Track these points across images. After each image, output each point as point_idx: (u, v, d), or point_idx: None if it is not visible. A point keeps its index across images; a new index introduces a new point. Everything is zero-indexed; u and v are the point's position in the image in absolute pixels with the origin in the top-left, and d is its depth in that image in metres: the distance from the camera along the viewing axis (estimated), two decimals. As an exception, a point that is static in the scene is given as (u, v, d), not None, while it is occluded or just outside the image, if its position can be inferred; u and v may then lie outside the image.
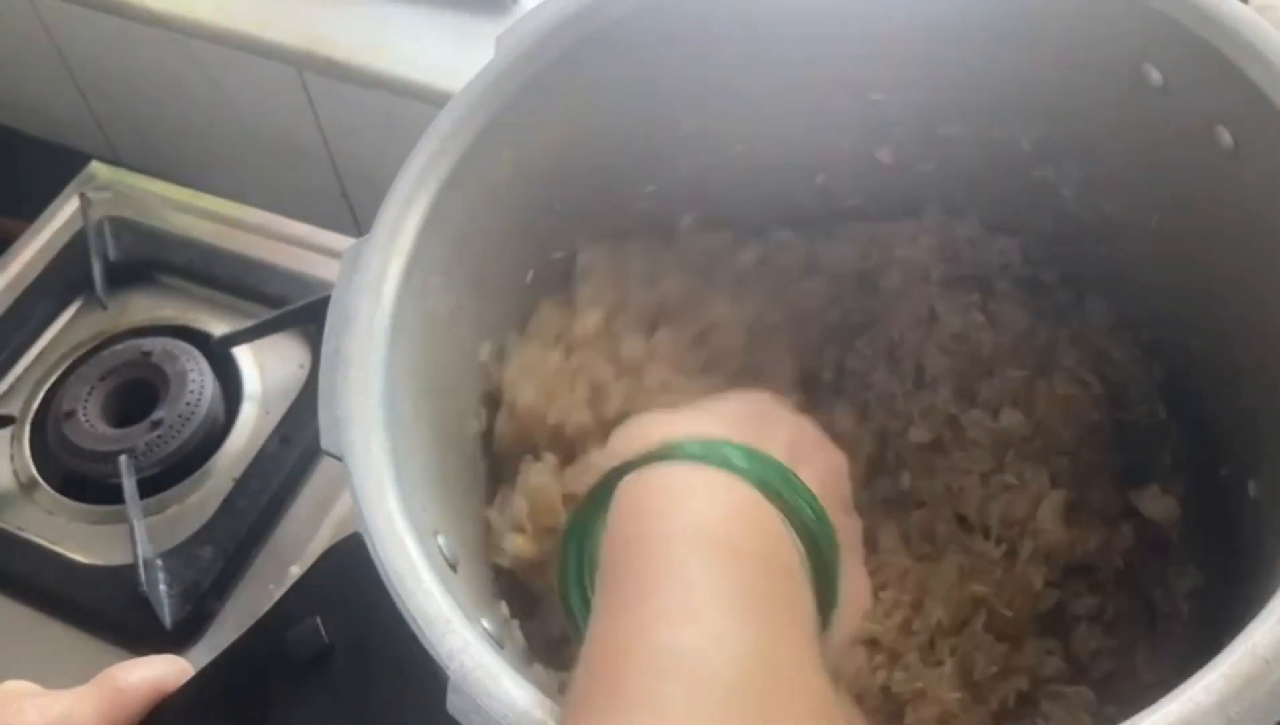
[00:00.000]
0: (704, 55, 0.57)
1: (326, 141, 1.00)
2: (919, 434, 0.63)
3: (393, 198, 0.51)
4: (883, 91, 0.55)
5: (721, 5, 0.56)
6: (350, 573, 0.44)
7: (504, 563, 0.55)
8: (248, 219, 0.93)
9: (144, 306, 0.90)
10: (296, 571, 0.74)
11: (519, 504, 0.55)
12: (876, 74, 0.58)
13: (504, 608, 0.52)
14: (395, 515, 0.43)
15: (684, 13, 0.55)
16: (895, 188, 0.63)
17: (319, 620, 0.44)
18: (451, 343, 0.54)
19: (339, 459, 0.45)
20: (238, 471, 0.80)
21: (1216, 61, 0.48)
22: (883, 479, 0.62)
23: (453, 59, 0.90)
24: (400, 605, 0.41)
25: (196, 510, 0.79)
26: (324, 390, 0.46)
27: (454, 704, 0.39)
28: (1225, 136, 0.50)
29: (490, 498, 0.57)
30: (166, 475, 0.80)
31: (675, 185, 0.63)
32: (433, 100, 0.89)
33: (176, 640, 0.72)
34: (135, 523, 0.75)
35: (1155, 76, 0.52)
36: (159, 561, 0.75)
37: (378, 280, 0.48)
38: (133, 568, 0.73)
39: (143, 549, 0.74)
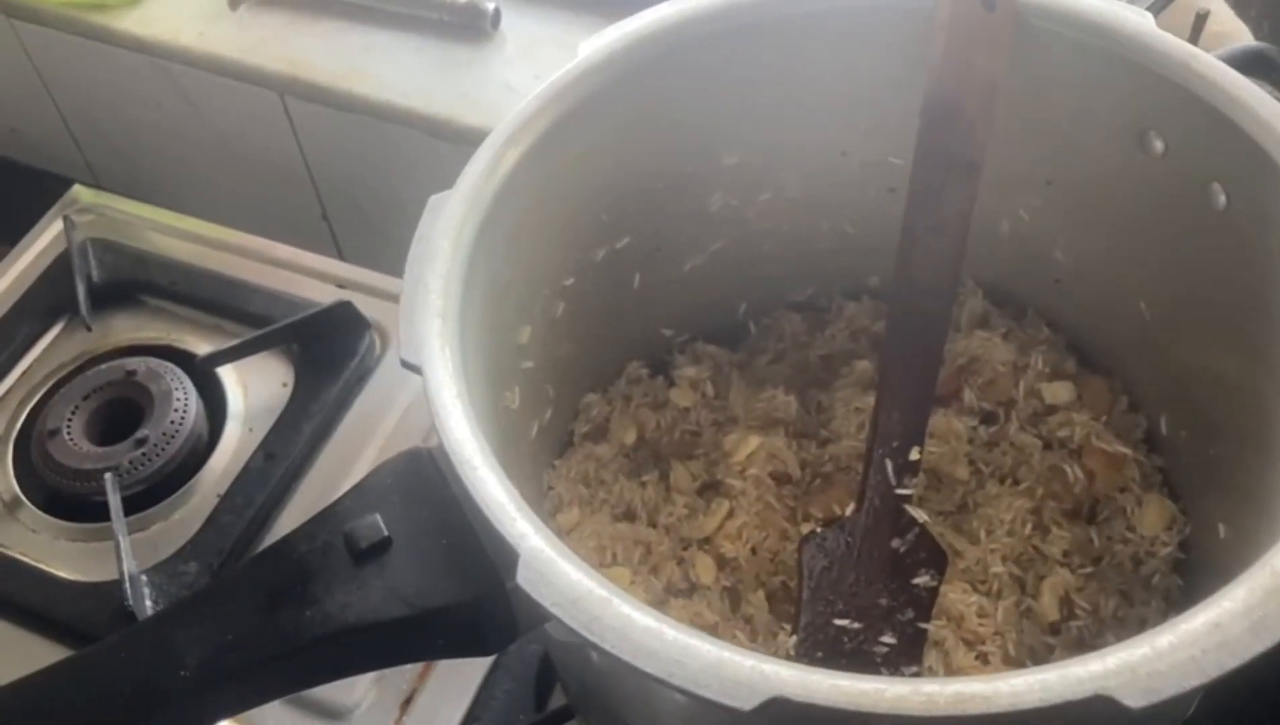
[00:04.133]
0: (749, 95, 0.64)
1: (308, 165, 1.01)
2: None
3: (478, 158, 0.55)
4: (901, 156, 0.58)
5: (765, 54, 0.62)
6: (407, 479, 0.48)
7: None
8: (230, 240, 0.95)
9: (128, 327, 0.91)
10: (281, 586, 0.75)
11: None
12: (896, 137, 0.62)
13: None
14: (466, 421, 0.47)
15: (734, 55, 0.62)
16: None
17: (378, 516, 0.46)
18: (504, 311, 0.58)
19: (417, 371, 0.48)
20: (222, 488, 0.81)
21: (1216, 122, 0.54)
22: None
23: (433, 84, 0.91)
24: (472, 492, 0.44)
25: (181, 527, 0.80)
26: (405, 311, 0.50)
27: (525, 578, 0.42)
28: (1219, 195, 0.55)
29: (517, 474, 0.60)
30: (151, 492, 0.81)
31: (703, 221, 0.68)
32: (413, 124, 0.91)
33: (162, 655, 0.73)
34: (121, 539, 0.76)
35: (1157, 143, 0.57)
36: (144, 577, 0.76)
37: (460, 225, 0.53)
38: (118, 584, 0.74)
39: (128, 565, 0.75)
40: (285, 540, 0.46)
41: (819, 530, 0.60)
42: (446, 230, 0.52)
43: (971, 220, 0.59)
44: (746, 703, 0.39)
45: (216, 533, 0.78)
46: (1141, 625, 0.64)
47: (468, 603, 0.44)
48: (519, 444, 0.62)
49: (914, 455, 0.60)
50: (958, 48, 0.58)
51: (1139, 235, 0.62)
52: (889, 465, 0.59)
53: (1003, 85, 0.59)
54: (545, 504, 0.68)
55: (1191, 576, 0.65)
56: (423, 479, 0.47)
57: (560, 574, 0.42)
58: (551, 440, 0.68)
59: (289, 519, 0.79)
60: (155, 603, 0.75)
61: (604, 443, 0.70)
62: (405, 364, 0.48)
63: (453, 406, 0.47)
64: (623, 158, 0.63)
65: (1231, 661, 0.39)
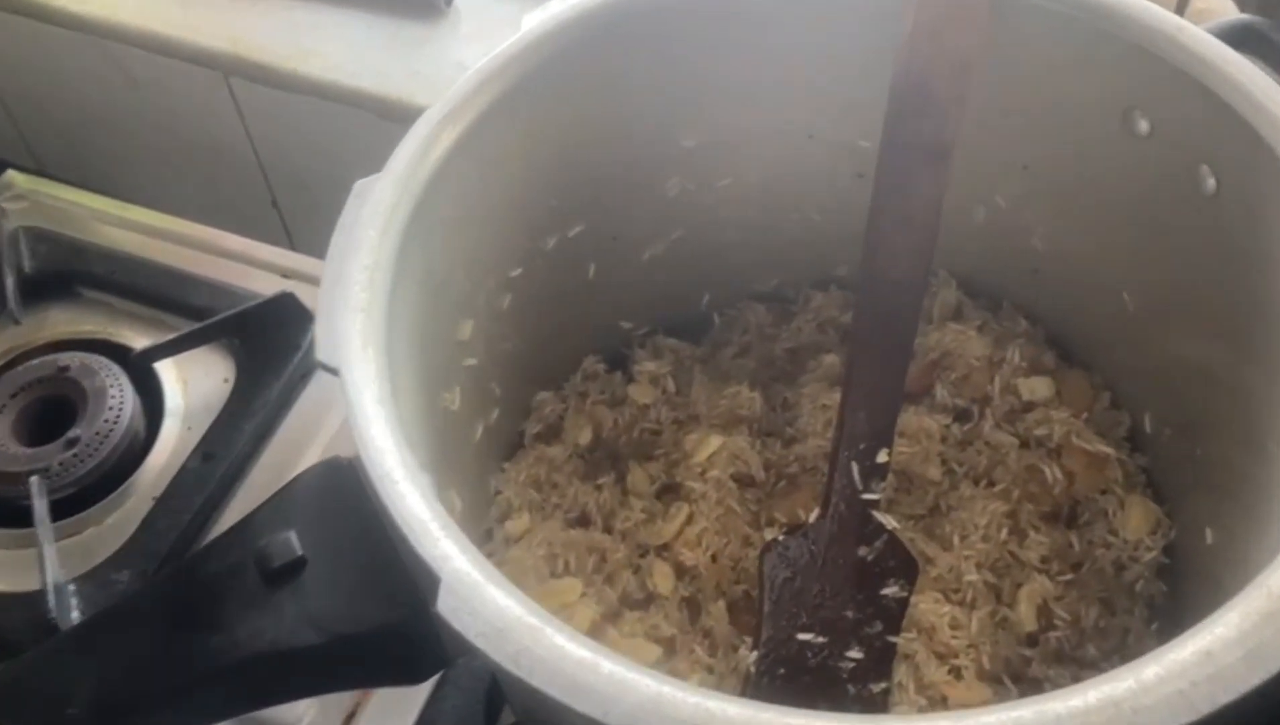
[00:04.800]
0: (707, 72, 0.60)
1: (255, 149, 0.97)
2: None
3: (408, 142, 0.51)
4: (870, 139, 0.55)
5: (725, 27, 0.58)
6: (326, 492, 0.44)
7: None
8: (171, 229, 0.90)
9: (61, 320, 0.86)
10: (219, 595, 0.71)
11: None
12: (864, 119, 0.58)
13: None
14: (389, 430, 0.43)
15: (692, 26, 0.58)
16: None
17: (293, 534, 0.42)
18: (440, 306, 0.54)
19: (334, 372, 0.44)
20: (158, 490, 0.77)
21: (1206, 101, 0.50)
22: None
23: (384, 63, 0.87)
24: (390, 508, 0.40)
25: (114, 532, 0.75)
26: (324, 306, 0.46)
27: (445, 605, 0.38)
28: (1208, 179, 0.52)
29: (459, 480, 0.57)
30: (83, 495, 0.76)
31: (662, 207, 0.64)
32: (364, 105, 0.87)
33: (90, 669, 0.69)
34: (45, 546, 0.71)
35: (1142, 123, 0.54)
36: (71, 586, 0.71)
37: (389, 212, 0.49)
38: (42, 594, 0.70)
39: (53, 574, 0.70)
40: (192, 559, 0.43)
41: (781, 539, 0.56)
42: (373, 218, 0.48)
43: (943, 209, 0.55)
44: (689, 745, 0.35)
45: (151, 538, 0.74)
46: (1124, 635, 0.60)
47: (389, 629, 0.41)
48: (461, 448, 0.58)
49: (882, 457, 0.56)
50: (928, 23, 0.54)
51: (1122, 222, 0.58)
52: (855, 468, 0.55)
53: (977, 63, 0.55)
54: (492, 511, 0.64)
55: (1177, 583, 0.61)
56: (343, 492, 0.43)
57: (486, 601, 0.38)
58: (499, 442, 0.64)
59: (228, 523, 0.75)
60: (83, 613, 0.70)
61: (557, 443, 0.66)
62: (322, 365, 0.44)
63: (374, 413, 0.43)
64: (572, 139, 0.59)
65: (1225, 695, 0.36)
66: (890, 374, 0.56)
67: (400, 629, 0.41)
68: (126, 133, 1.01)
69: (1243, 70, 0.49)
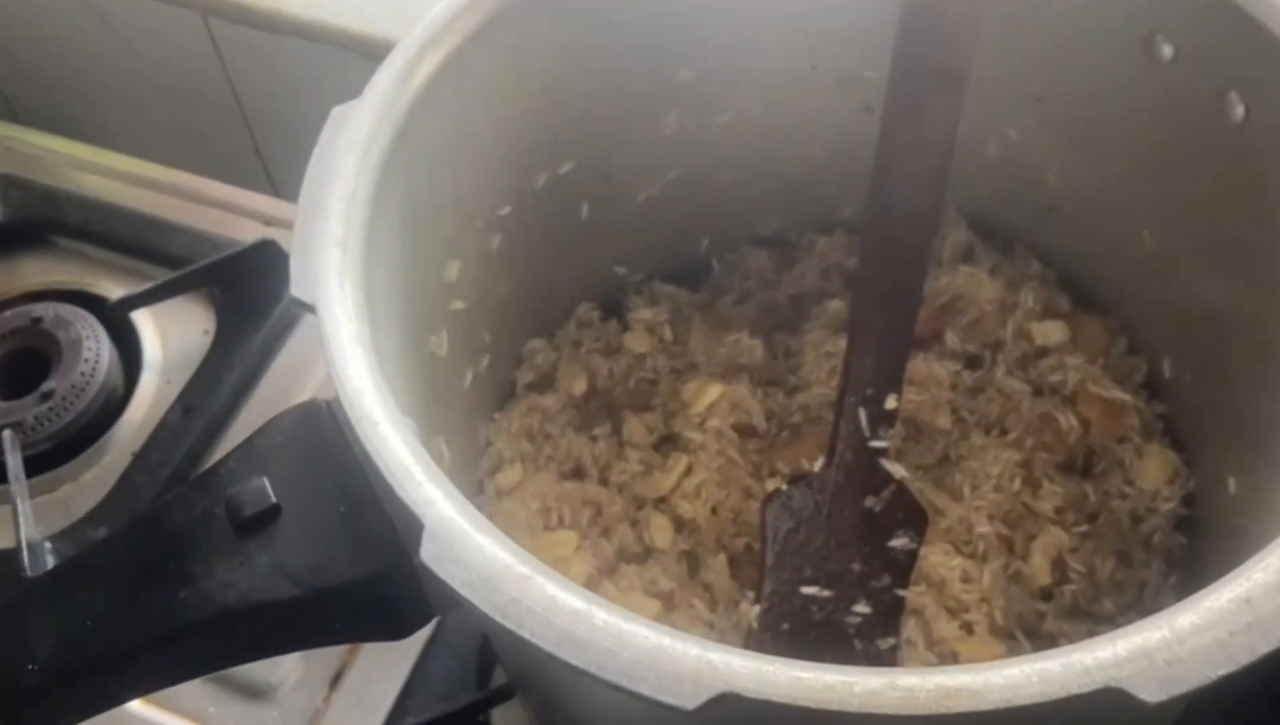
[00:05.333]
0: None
1: (236, 94, 0.93)
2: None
3: (388, 66, 0.48)
4: (877, 69, 0.51)
5: None
6: (301, 437, 0.42)
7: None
8: (149, 175, 0.87)
9: (36, 270, 0.84)
10: (201, 552, 0.68)
11: None
12: (871, 47, 0.54)
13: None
14: (368, 369, 0.40)
15: None
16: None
17: (266, 480, 0.39)
18: (424, 244, 0.51)
19: (310, 309, 0.41)
20: (137, 445, 0.74)
21: (1235, 21, 0.47)
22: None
23: (367, 1, 0.84)
24: (370, 450, 0.38)
25: (91, 488, 0.73)
26: (299, 238, 0.43)
27: (429, 553, 0.35)
28: (1236, 106, 0.49)
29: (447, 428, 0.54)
30: (59, 451, 0.74)
31: (658, 145, 0.61)
32: (347, 45, 0.83)
33: (67, 629, 0.66)
34: (19, 503, 0.69)
35: (1165, 48, 0.50)
36: (47, 544, 0.69)
37: (368, 142, 0.46)
38: (16, 552, 0.67)
39: (27, 531, 0.68)
40: (160, 507, 0.40)
41: (785, 488, 0.53)
42: (351, 146, 0.45)
43: (955, 139, 0.52)
44: (690, 700, 0.33)
45: (129, 494, 0.71)
46: (1140, 589, 0.58)
47: (368, 581, 0.38)
48: (449, 395, 0.55)
49: (890, 403, 0.53)
50: (941, -61, 0.51)
51: (1143, 156, 0.55)
52: (862, 414, 0.53)
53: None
54: (483, 462, 0.61)
55: (1196, 535, 0.59)
56: (319, 437, 0.41)
57: (473, 548, 0.35)
58: (490, 390, 0.62)
59: (209, 478, 0.73)
60: (60, 572, 0.68)
61: (550, 393, 0.63)
62: (296, 301, 0.41)
63: (351, 351, 0.40)
64: (562, 70, 0.55)
65: (1265, 645, 0.33)
66: (899, 314, 0.53)
67: (381, 580, 0.38)
68: (103, 78, 0.97)
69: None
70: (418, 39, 0.48)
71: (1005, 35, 0.55)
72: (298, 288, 0.41)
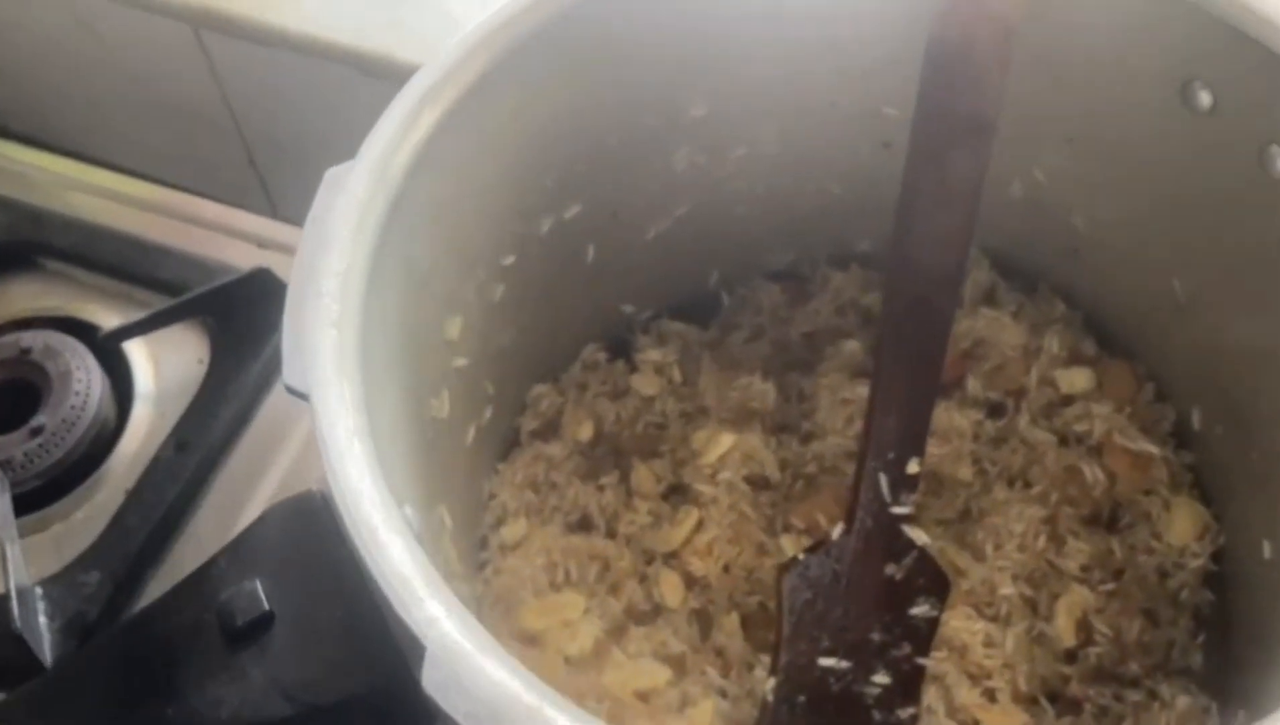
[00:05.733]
0: (720, 34, 0.53)
1: (230, 106, 0.90)
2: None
3: (385, 123, 0.45)
4: (898, 106, 0.49)
5: None
6: (294, 534, 0.40)
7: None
8: (140, 195, 0.84)
9: (22, 296, 0.81)
10: (196, 596, 0.66)
11: None
12: (892, 85, 0.53)
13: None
14: (365, 465, 0.38)
15: None
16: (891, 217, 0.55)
17: (258, 584, 0.37)
18: (424, 305, 0.49)
19: (303, 398, 0.39)
20: (130, 482, 0.72)
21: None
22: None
23: (362, 13, 0.81)
24: (369, 563, 0.35)
25: (83, 528, 0.70)
26: (291, 320, 0.41)
27: (431, 680, 0.33)
28: (1278, 160, 0.47)
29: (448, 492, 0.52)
30: (48, 489, 0.71)
31: (668, 181, 0.59)
32: (342, 60, 0.80)
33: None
34: (8, 548, 0.66)
35: (1204, 96, 0.48)
36: (38, 590, 0.66)
37: (363, 208, 0.43)
38: (5, 600, 0.65)
39: (17, 578, 0.65)
40: (146, 613, 0.38)
41: (801, 557, 0.51)
42: (346, 214, 0.42)
43: (981, 191, 0.49)
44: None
45: (122, 536, 0.69)
46: (1168, 649, 0.56)
47: (368, 698, 0.36)
48: (451, 456, 0.53)
49: (913, 468, 0.51)
50: (969, -18, 0.48)
51: (1176, 204, 0.53)
52: (883, 480, 0.51)
53: (1020, 26, 0.49)
54: (486, 516, 0.59)
55: (1226, 592, 0.57)
56: (314, 534, 0.38)
57: (479, 674, 0.33)
58: (493, 441, 0.59)
59: (204, 519, 0.70)
60: (51, 619, 0.66)
61: (555, 440, 0.61)
62: (290, 389, 0.39)
63: (348, 447, 0.37)
64: (569, 112, 0.53)
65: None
66: (923, 375, 0.51)
67: (380, 698, 0.36)
68: (93, 90, 0.94)
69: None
70: (415, 94, 0.45)
71: (1035, 75, 0.52)
72: (290, 375, 0.39)
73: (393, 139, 0.44)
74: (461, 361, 0.52)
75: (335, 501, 0.36)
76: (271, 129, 0.91)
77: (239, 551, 0.38)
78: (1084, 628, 0.55)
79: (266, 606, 0.36)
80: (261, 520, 0.39)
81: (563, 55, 0.50)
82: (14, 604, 0.64)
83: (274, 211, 0.97)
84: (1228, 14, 0.46)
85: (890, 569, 0.51)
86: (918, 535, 0.51)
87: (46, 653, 0.64)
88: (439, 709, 0.33)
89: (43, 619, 0.66)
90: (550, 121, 0.52)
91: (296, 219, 0.89)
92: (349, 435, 0.38)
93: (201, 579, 0.38)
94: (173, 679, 0.36)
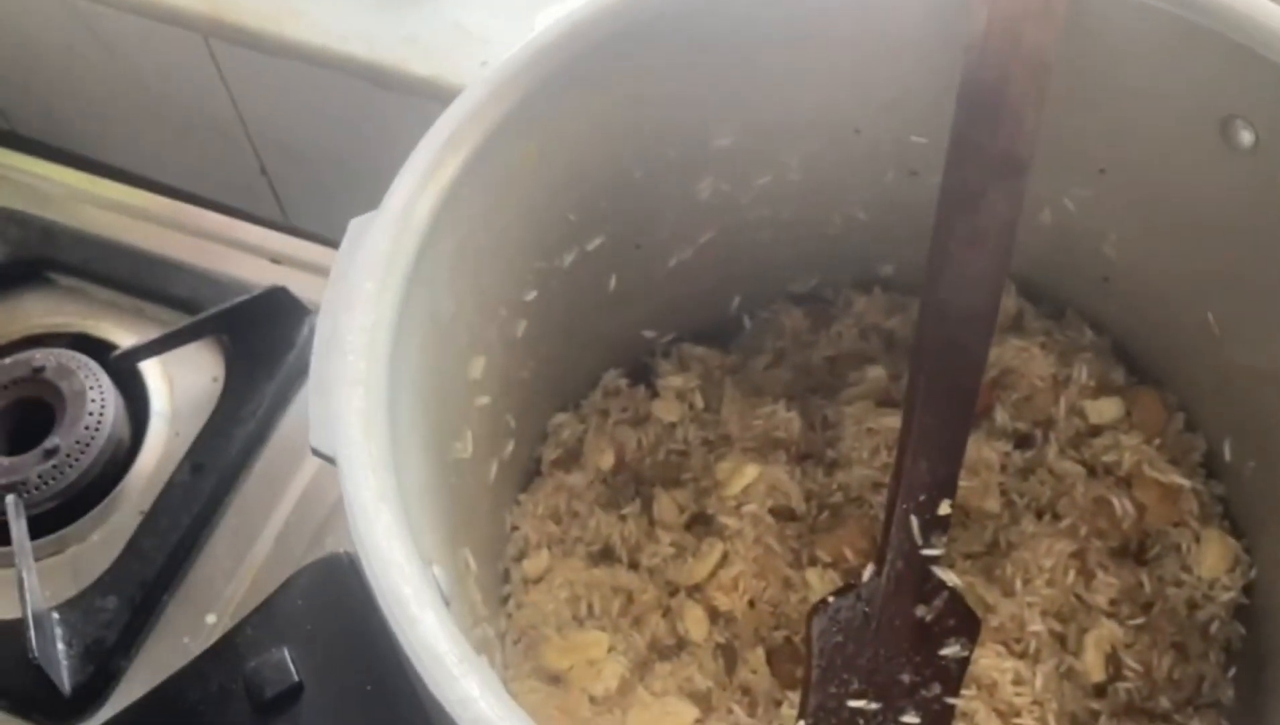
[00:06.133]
0: (746, 64, 0.53)
1: (240, 115, 0.89)
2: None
3: (408, 171, 0.45)
4: (926, 134, 0.47)
5: (766, 13, 0.51)
6: (323, 599, 0.38)
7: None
8: (152, 209, 0.83)
9: (34, 312, 0.80)
10: (213, 620, 0.66)
11: None
12: (919, 113, 0.52)
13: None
14: (395, 534, 0.37)
15: (728, 14, 0.51)
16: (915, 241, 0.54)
17: (287, 652, 0.36)
18: (448, 350, 0.48)
19: (330, 461, 0.39)
20: (145, 504, 0.71)
21: None
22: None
23: (374, 25, 0.80)
24: (401, 640, 0.35)
25: (99, 550, 0.70)
26: (316, 379, 0.40)
27: None
28: None
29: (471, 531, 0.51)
30: (63, 510, 0.71)
31: (691, 210, 0.58)
32: (354, 72, 0.80)
33: (77, 707, 0.64)
34: (25, 574, 0.66)
35: (1245, 134, 0.47)
36: (55, 615, 0.66)
37: (387, 261, 0.42)
38: (22, 627, 0.64)
39: (34, 603, 0.65)
40: (172, 683, 0.37)
41: (831, 600, 0.51)
42: (370, 268, 0.42)
43: (1016, 231, 0.48)
44: None
45: (139, 560, 0.68)
46: (1199, 683, 0.56)
47: (399, 771, 0.35)
48: (475, 495, 0.53)
49: (944, 509, 0.50)
50: (1004, 19, 0.47)
51: (1212, 239, 0.52)
52: (914, 523, 0.50)
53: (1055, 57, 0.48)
54: (509, 548, 0.58)
55: (1257, 625, 0.56)
56: (342, 599, 0.38)
57: (516, 759, 0.33)
58: (515, 473, 0.59)
59: (220, 542, 0.69)
60: (69, 645, 0.65)
61: (576, 469, 0.61)
62: (316, 452, 0.38)
63: (376, 514, 0.37)
64: (593, 147, 0.52)
65: None
66: (955, 417, 0.50)
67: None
68: (104, 99, 0.93)
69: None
70: (438, 140, 0.44)
71: (1069, 105, 0.51)
72: (317, 439, 0.38)
73: (416, 187, 0.44)
74: (484, 400, 0.52)
75: (365, 572, 0.36)
76: (282, 138, 0.90)
77: (266, 617, 0.38)
78: (1113, 663, 0.55)
79: (296, 677, 0.36)
80: (289, 583, 0.38)
81: (588, 93, 0.49)
82: (31, 631, 0.64)
83: (285, 217, 0.97)
84: (1269, 49, 0.45)
85: (920, 610, 0.50)
86: (948, 577, 0.50)
87: (65, 680, 0.64)
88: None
89: (60, 646, 0.65)
90: (574, 158, 0.51)
91: (307, 226, 0.90)
92: (376, 502, 0.37)
93: (228, 646, 0.37)
94: (202, 752, 0.35)
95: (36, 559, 0.68)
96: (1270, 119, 0.46)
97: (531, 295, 0.53)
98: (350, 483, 0.37)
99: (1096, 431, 0.59)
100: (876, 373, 0.62)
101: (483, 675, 0.34)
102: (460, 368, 0.49)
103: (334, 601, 0.37)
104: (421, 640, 0.34)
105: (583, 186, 0.53)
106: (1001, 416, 0.59)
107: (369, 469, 0.37)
